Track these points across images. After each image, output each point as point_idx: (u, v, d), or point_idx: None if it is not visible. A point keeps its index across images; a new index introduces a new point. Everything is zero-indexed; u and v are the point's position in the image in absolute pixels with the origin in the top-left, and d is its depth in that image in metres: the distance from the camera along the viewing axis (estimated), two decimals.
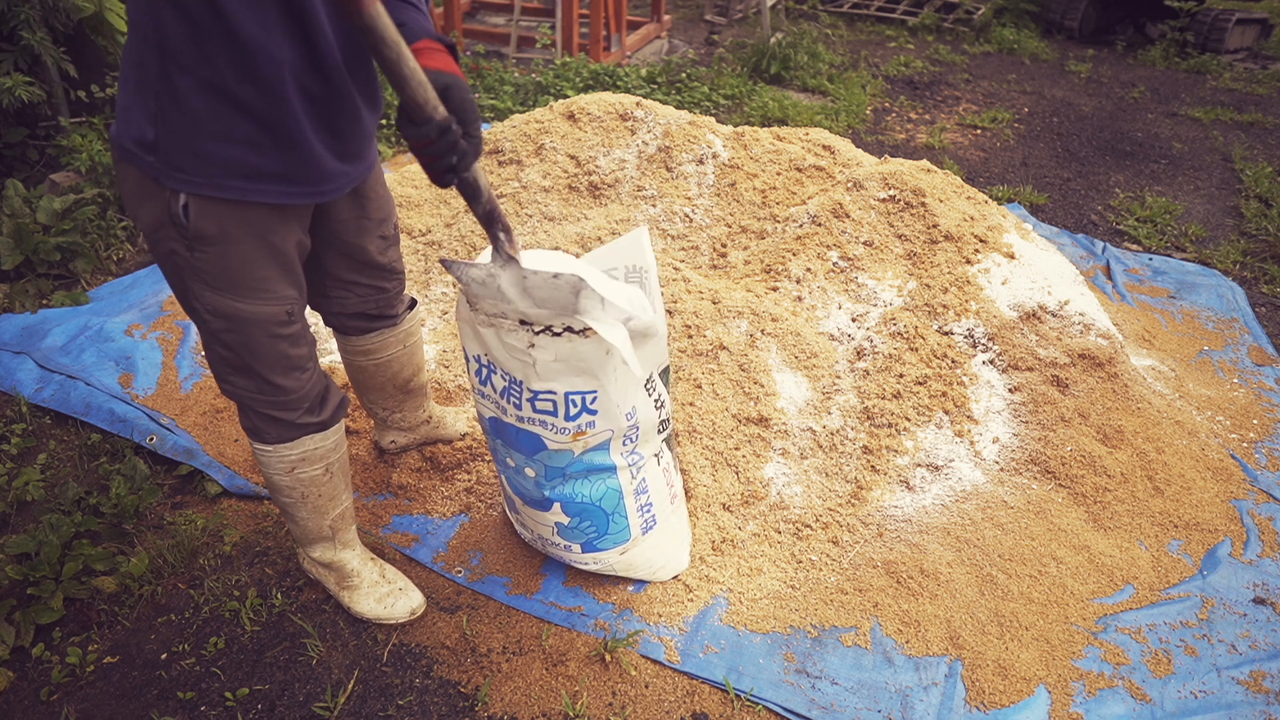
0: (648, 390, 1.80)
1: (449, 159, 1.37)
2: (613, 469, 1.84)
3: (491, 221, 1.48)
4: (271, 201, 1.48)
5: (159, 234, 1.47)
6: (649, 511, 1.94)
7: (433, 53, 1.42)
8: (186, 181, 1.40)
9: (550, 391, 1.71)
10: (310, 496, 1.84)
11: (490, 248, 1.57)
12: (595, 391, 1.72)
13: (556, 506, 1.88)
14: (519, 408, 1.76)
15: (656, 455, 1.91)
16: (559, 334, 1.65)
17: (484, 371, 1.80)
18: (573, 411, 1.73)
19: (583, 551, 1.97)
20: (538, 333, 1.66)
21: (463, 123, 1.39)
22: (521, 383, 1.73)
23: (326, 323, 2.00)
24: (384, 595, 1.98)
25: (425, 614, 2.01)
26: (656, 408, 1.84)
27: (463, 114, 1.39)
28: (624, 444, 1.82)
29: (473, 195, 1.45)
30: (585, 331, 1.63)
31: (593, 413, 1.74)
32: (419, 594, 2.01)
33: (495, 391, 1.79)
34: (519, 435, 1.80)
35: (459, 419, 2.42)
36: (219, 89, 1.34)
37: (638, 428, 1.81)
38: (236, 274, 1.50)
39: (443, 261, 1.60)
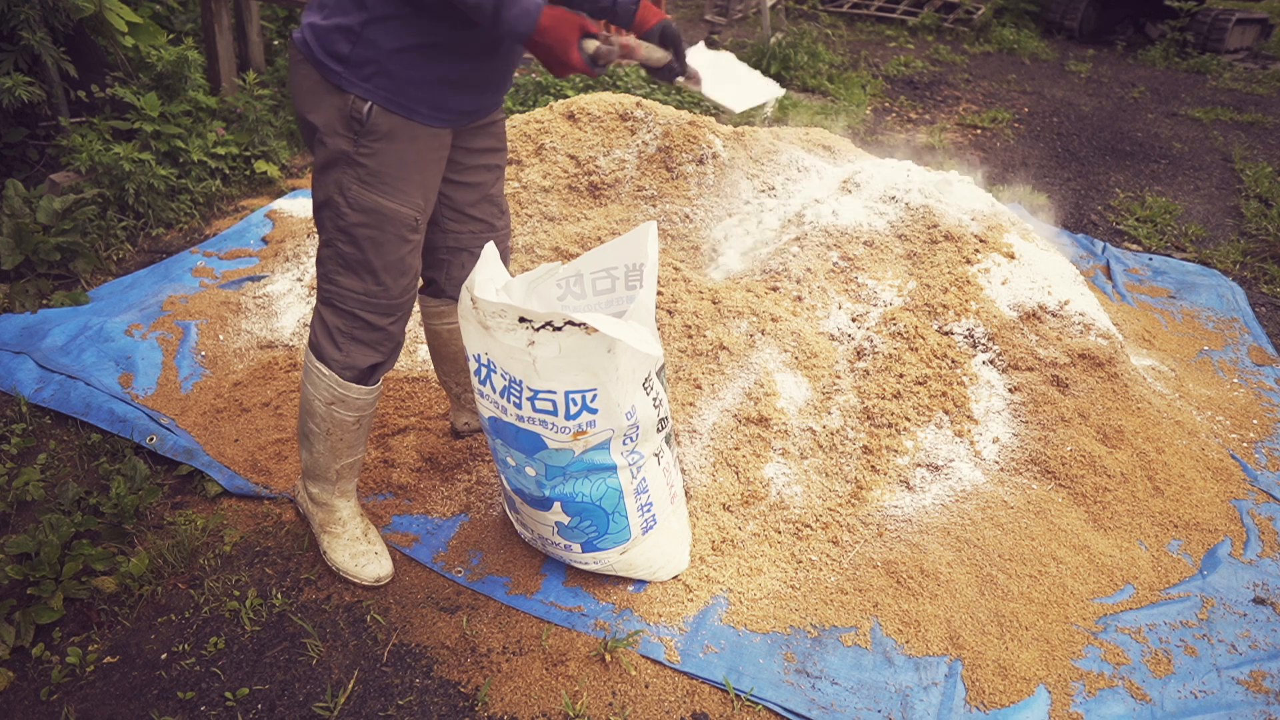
0: (645, 389, 1.80)
1: (674, 78, 1.93)
2: (613, 468, 1.84)
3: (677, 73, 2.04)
4: (433, 125, 1.77)
5: (329, 129, 1.71)
6: (649, 511, 1.94)
7: (647, 6, 1.89)
8: (371, 93, 1.68)
9: (550, 391, 1.71)
10: (333, 435, 1.98)
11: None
12: (595, 390, 1.72)
13: (557, 506, 1.88)
14: (519, 407, 1.76)
15: (656, 455, 1.91)
16: (560, 329, 1.65)
17: (484, 370, 1.80)
18: (573, 410, 1.73)
19: (583, 551, 1.97)
20: (538, 329, 1.66)
21: (675, 52, 1.87)
22: (521, 382, 1.73)
23: (431, 268, 2.12)
24: (359, 553, 2.07)
25: (425, 614, 2.01)
26: (655, 406, 1.84)
27: (675, 45, 1.86)
28: (624, 443, 1.82)
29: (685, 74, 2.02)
30: (586, 327, 1.64)
31: (593, 411, 1.74)
32: (389, 565, 2.09)
33: (495, 391, 1.79)
34: (519, 435, 1.80)
35: None
36: (425, 33, 1.65)
37: (637, 427, 1.81)
38: (390, 171, 1.75)
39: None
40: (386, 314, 1.88)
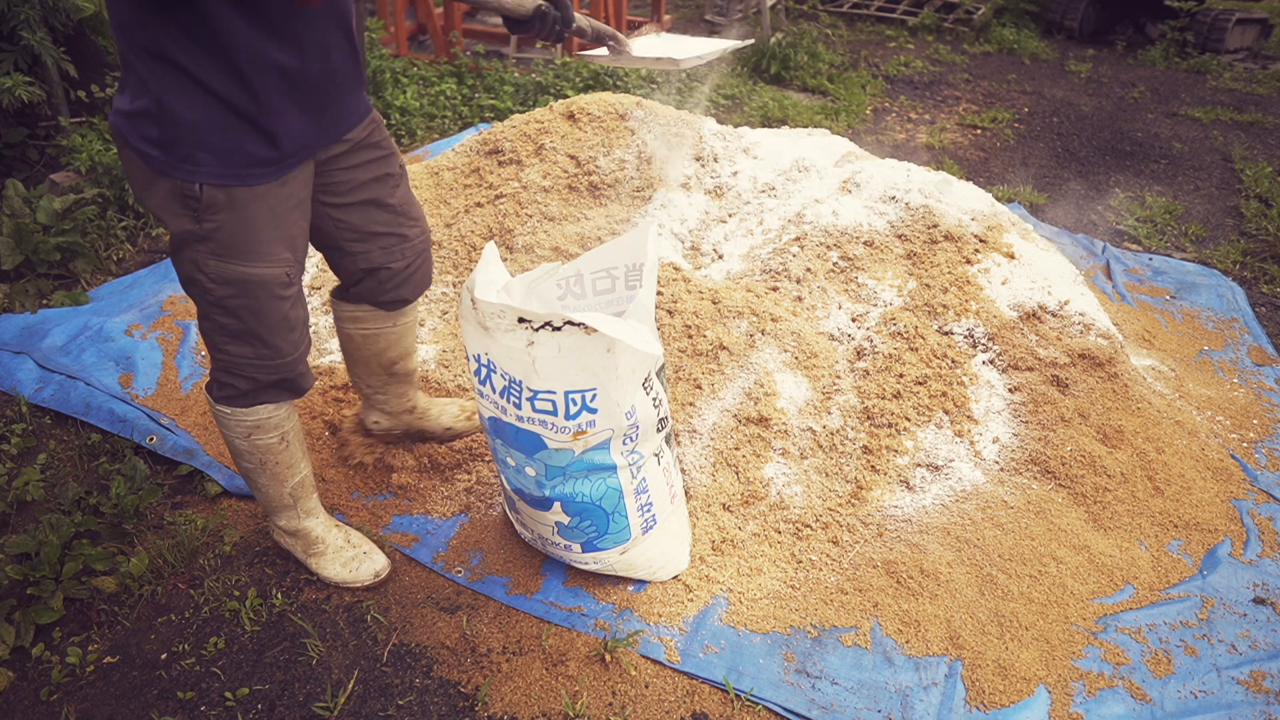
0: (645, 389, 1.80)
1: (556, 29, 1.69)
2: (613, 468, 1.84)
3: (600, 39, 1.81)
4: (272, 180, 1.64)
5: (168, 212, 1.61)
6: (649, 511, 1.94)
7: None
8: (193, 173, 1.56)
9: (550, 391, 1.71)
10: (268, 464, 1.93)
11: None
12: (595, 390, 1.72)
13: (557, 506, 1.88)
14: (519, 407, 1.76)
15: (656, 454, 1.91)
16: (559, 329, 1.65)
17: (484, 371, 1.80)
18: (573, 410, 1.73)
19: (583, 551, 1.97)
20: (537, 329, 1.66)
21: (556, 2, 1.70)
22: (521, 382, 1.73)
23: (351, 290, 2.06)
24: (349, 560, 2.06)
25: (425, 614, 2.01)
26: (655, 406, 1.84)
27: None
28: (624, 443, 1.82)
29: (581, 34, 1.76)
30: (585, 327, 1.63)
31: (593, 411, 1.74)
32: (383, 557, 2.09)
33: (495, 391, 1.79)
34: (519, 435, 1.80)
35: (445, 412, 2.43)
36: (211, 90, 1.51)
37: (637, 426, 1.81)
38: (242, 239, 1.64)
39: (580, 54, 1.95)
40: (284, 371, 1.82)
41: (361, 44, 1.77)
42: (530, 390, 1.72)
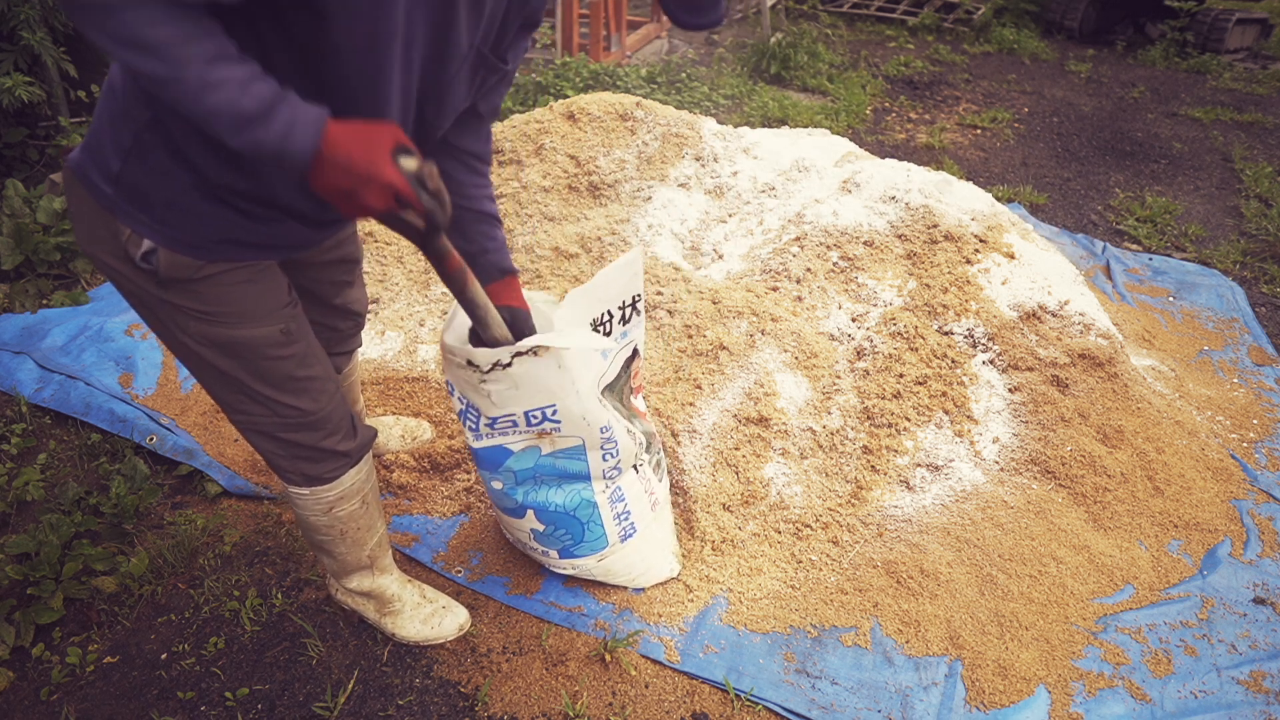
0: (601, 404, 1.76)
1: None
2: (586, 478, 1.83)
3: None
4: (249, 261, 1.39)
5: (119, 267, 1.34)
6: (627, 520, 1.93)
7: (507, 288, 1.64)
8: (156, 232, 1.28)
9: (509, 413, 1.70)
10: (349, 531, 1.76)
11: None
12: (554, 405, 1.69)
13: (530, 514, 1.87)
14: (475, 430, 1.75)
15: (634, 466, 1.89)
16: (508, 365, 1.62)
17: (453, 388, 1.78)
18: (534, 421, 1.72)
19: (560, 557, 1.96)
20: (487, 372, 1.63)
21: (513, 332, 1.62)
22: (479, 410, 1.71)
23: None
24: (429, 615, 1.93)
25: None
26: (623, 418, 1.82)
27: (522, 337, 1.62)
28: (602, 457, 1.80)
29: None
30: (536, 350, 1.61)
31: (555, 422, 1.72)
32: (464, 610, 1.96)
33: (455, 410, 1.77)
34: (481, 454, 1.79)
35: (391, 436, 2.40)
36: (231, 160, 1.24)
37: (615, 442, 1.79)
38: (216, 309, 1.39)
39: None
40: (315, 429, 1.56)
41: None
42: (488, 417, 1.71)
